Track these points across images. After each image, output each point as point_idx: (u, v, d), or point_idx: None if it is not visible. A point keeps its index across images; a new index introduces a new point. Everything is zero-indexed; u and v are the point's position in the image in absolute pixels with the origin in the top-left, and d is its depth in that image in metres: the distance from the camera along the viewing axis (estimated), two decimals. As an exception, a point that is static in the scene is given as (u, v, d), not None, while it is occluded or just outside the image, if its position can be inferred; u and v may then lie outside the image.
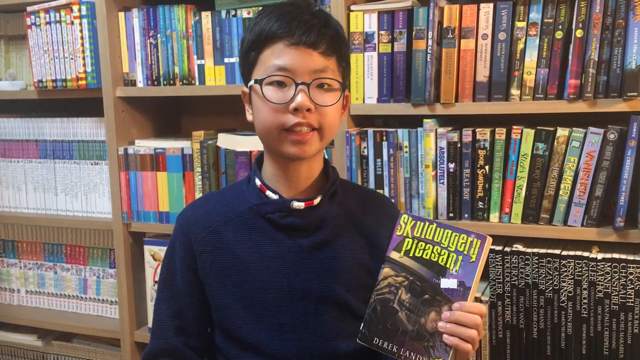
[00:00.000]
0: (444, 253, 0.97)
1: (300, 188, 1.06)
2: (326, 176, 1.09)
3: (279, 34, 0.98)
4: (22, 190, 1.88)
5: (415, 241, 1.00)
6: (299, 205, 1.03)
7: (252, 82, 1.01)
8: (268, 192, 1.05)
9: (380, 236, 1.08)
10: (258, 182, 1.07)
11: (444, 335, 0.94)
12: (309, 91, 0.97)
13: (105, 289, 1.87)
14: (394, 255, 1.01)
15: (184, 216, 1.11)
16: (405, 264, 1.00)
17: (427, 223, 1.00)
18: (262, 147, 1.09)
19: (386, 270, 1.01)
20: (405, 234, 1.01)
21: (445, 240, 0.98)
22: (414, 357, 0.97)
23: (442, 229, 0.99)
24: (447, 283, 0.96)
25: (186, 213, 1.12)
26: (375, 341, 0.99)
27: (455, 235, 0.97)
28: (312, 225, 1.05)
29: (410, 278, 0.99)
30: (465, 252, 0.96)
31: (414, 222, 1.00)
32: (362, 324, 1.01)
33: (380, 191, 1.46)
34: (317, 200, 1.04)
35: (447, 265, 0.97)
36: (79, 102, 1.78)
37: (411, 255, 1.00)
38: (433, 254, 0.98)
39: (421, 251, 0.99)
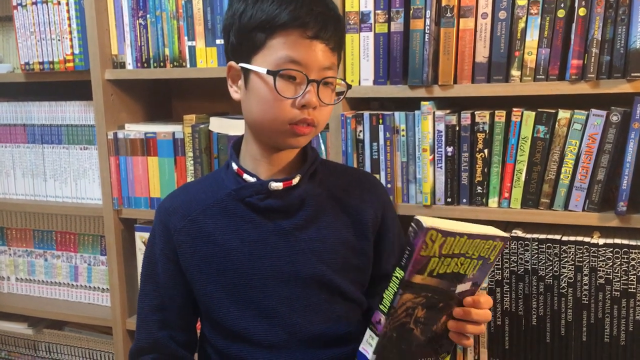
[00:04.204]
0: (467, 262, 0.88)
1: (278, 169, 1.04)
2: (305, 156, 1.07)
3: (295, 25, 0.94)
4: (11, 176, 1.84)
5: (442, 258, 0.86)
6: (277, 185, 1.00)
7: (259, 69, 0.96)
8: (245, 176, 1.03)
9: (363, 213, 1.06)
10: (235, 166, 1.04)
11: (453, 334, 0.92)
12: (317, 89, 0.96)
13: (97, 276, 1.83)
14: (417, 279, 0.86)
15: (163, 207, 1.08)
16: (427, 284, 0.88)
17: (457, 237, 0.85)
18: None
19: (406, 297, 0.87)
20: (432, 254, 0.85)
21: (471, 250, 0.88)
22: None
23: (470, 240, 0.86)
24: (462, 287, 0.91)
25: (164, 204, 1.09)
26: None
27: (482, 243, 0.87)
28: (292, 206, 1.02)
29: (429, 295, 0.89)
30: (486, 256, 0.89)
31: (443, 239, 0.84)
32: (374, 356, 0.90)
33: (377, 176, 1.42)
34: (295, 180, 1.02)
35: (467, 273, 0.90)
36: (68, 85, 1.73)
37: (435, 274, 0.87)
38: (456, 266, 0.88)
39: (445, 267, 0.87)
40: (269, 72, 0.95)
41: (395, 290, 0.86)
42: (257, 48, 0.96)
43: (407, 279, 0.85)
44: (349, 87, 1.04)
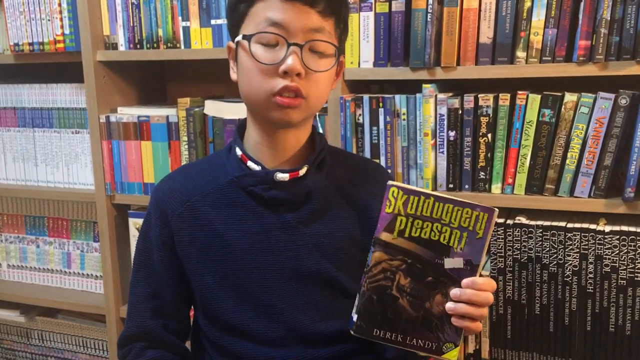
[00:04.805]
0: (446, 230, 0.87)
1: (285, 158, 0.98)
2: (313, 144, 1.01)
3: None
4: (1, 161, 1.80)
5: (410, 219, 0.87)
6: (283, 177, 0.95)
7: (239, 38, 0.92)
8: (250, 163, 0.97)
9: (372, 208, 1.00)
10: (239, 151, 0.99)
11: (453, 318, 0.87)
12: (302, 54, 0.89)
13: (90, 263, 1.80)
14: (385, 236, 0.88)
15: (159, 190, 1.03)
16: (401, 246, 0.88)
17: (422, 197, 0.86)
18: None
19: (377, 255, 0.89)
20: (396, 211, 0.87)
21: (446, 216, 0.86)
22: (422, 345, 0.89)
23: (441, 204, 0.86)
24: (452, 263, 0.87)
25: (161, 187, 1.03)
26: (375, 333, 0.91)
27: (458, 210, 0.86)
28: (298, 198, 0.97)
29: (409, 261, 0.88)
30: (471, 228, 0.86)
31: (406, 196, 0.86)
32: (356, 316, 0.91)
33: (377, 161, 1.38)
34: (302, 171, 0.96)
35: (451, 244, 0.87)
36: (59, 66, 1.69)
37: (407, 235, 0.88)
38: (433, 233, 0.87)
39: (418, 230, 0.87)
40: (244, 37, 0.90)
41: (369, 249, 0.90)
42: (241, 20, 0.93)
43: (376, 236, 0.89)
44: (338, 50, 0.94)
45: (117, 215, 1.67)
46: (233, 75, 0.98)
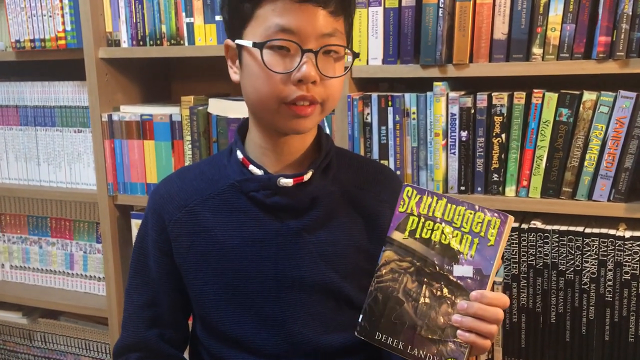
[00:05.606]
0: (457, 234, 0.83)
1: (289, 161, 0.93)
2: (319, 146, 0.96)
3: None
4: (3, 160, 1.77)
5: (422, 219, 0.86)
6: (286, 182, 0.90)
7: (246, 43, 0.86)
8: (251, 167, 0.92)
9: (380, 215, 0.95)
10: (240, 155, 0.94)
11: (459, 332, 0.81)
12: (316, 60, 0.84)
13: (93, 264, 1.76)
14: (397, 236, 0.87)
15: (157, 194, 0.98)
16: (411, 247, 0.86)
17: (435, 198, 0.86)
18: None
19: (388, 254, 0.87)
20: (409, 211, 0.87)
21: (457, 219, 0.84)
22: (423, 356, 0.84)
23: (453, 206, 0.84)
24: (460, 270, 0.83)
25: (159, 190, 0.99)
26: (378, 336, 0.87)
27: (470, 213, 0.83)
28: (302, 204, 0.92)
29: (417, 264, 0.85)
30: (482, 234, 0.82)
31: (419, 196, 0.86)
32: (361, 316, 0.88)
33: (385, 162, 1.34)
34: (307, 176, 0.91)
35: (461, 249, 0.83)
36: (61, 64, 1.65)
37: (417, 236, 0.86)
38: (444, 236, 0.84)
39: (429, 232, 0.85)
40: (255, 44, 0.85)
41: (378, 255, 0.89)
42: (246, 20, 0.87)
43: (388, 235, 0.89)
44: (355, 55, 0.93)
45: (120, 216, 1.64)
46: (234, 77, 0.93)
